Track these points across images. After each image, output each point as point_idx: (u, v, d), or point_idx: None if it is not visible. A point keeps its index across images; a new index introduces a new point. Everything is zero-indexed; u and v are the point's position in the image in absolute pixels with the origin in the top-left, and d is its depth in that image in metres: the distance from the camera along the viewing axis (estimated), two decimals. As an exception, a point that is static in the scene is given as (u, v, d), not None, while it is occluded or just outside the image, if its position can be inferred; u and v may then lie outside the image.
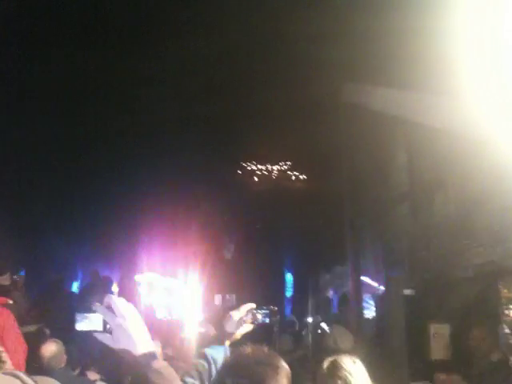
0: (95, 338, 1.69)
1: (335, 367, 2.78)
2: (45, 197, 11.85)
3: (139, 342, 1.63)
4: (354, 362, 2.85)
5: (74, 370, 4.89)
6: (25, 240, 10.57)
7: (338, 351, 4.42)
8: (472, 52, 3.98)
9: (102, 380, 4.98)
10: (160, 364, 1.60)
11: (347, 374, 2.74)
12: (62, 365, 4.37)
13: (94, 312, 1.69)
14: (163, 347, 4.18)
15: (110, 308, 1.67)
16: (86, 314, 1.72)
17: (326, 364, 2.84)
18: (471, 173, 6.00)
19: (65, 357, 4.46)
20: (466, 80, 4.17)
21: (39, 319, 7.10)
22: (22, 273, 9.73)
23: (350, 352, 4.16)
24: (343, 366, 2.77)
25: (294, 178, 16.65)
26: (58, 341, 4.55)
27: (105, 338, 1.66)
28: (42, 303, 8.59)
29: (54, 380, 1.67)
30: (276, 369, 1.77)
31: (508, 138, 4.20)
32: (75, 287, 13.15)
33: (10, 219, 9.11)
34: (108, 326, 1.65)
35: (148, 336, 1.67)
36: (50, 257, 12.22)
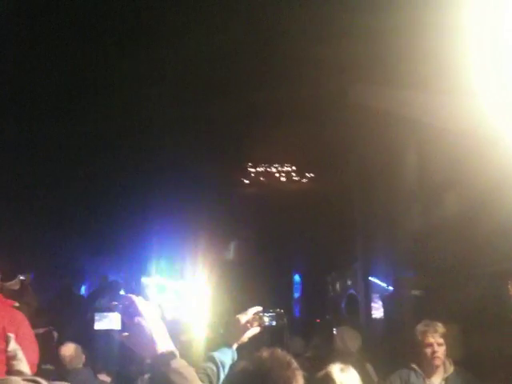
0: (109, 339, 1.70)
1: (326, 379, 2.86)
2: (52, 200, 11.91)
3: (158, 340, 1.63)
4: (344, 371, 2.91)
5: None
6: (32, 244, 10.63)
7: (346, 352, 4.42)
8: (481, 50, 3.96)
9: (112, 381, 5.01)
10: (180, 363, 1.60)
11: None
12: (81, 365, 4.43)
13: (113, 311, 1.70)
14: None
15: (128, 307, 1.67)
16: (104, 313, 1.73)
17: (318, 375, 2.90)
18: (481, 173, 5.96)
19: (83, 357, 4.51)
20: (476, 79, 4.15)
21: (49, 323, 7.13)
22: (31, 277, 9.78)
23: (358, 352, 4.17)
24: (334, 377, 2.85)
25: (301, 179, 16.64)
26: (75, 343, 4.60)
27: (123, 338, 1.67)
28: (52, 307, 8.64)
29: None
30: (294, 371, 1.78)
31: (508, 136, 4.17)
32: (83, 291, 13.21)
33: (17, 223, 9.17)
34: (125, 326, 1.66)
35: (167, 335, 1.67)
36: (58, 261, 12.29)
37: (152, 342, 1.62)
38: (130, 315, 1.65)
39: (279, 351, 1.88)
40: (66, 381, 4.10)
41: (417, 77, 6.60)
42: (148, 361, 1.61)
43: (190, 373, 1.61)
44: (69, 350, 4.44)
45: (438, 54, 5.79)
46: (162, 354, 1.60)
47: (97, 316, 1.76)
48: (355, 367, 3.01)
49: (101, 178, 12.65)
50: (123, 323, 1.68)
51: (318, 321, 10.76)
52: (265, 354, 1.85)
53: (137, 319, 1.64)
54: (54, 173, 11.45)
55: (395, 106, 7.89)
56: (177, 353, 1.63)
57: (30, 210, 11.11)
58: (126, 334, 1.66)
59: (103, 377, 5.12)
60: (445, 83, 5.61)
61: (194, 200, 14.25)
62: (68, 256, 12.50)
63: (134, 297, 1.68)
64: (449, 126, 6.21)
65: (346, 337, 4.17)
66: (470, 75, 4.17)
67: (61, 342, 5.31)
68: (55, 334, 6.41)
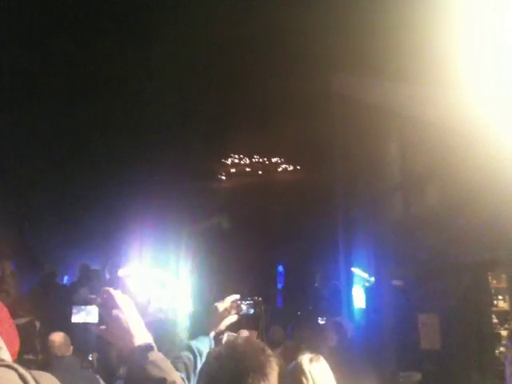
0: (89, 331, 1.69)
1: (296, 369, 2.90)
2: (34, 189, 11.77)
3: (135, 333, 1.63)
4: (313, 361, 2.95)
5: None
6: (13, 232, 10.51)
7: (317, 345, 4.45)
8: (466, 46, 4.00)
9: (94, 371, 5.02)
10: (157, 356, 1.60)
11: (308, 376, 2.86)
12: (69, 353, 4.41)
13: (91, 304, 1.69)
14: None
15: (106, 300, 1.66)
16: (82, 307, 1.71)
17: (289, 366, 2.93)
18: (462, 165, 6.04)
19: (71, 347, 4.49)
20: (461, 74, 4.19)
21: (31, 312, 7.07)
22: (12, 265, 9.66)
23: (333, 345, 4.20)
24: (303, 368, 2.89)
25: (286, 170, 16.68)
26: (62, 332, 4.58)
27: (100, 331, 1.66)
28: (34, 296, 8.55)
29: (50, 375, 1.66)
30: (268, 357, 1.78)
31: (501, 131, 4.23)
32: (65, 280, 13.09)
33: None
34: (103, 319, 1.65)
35: (144, 328, 1.67)
36: (40, 250, 12.16)
37: (129, 335, 1.62)
38: (107, 308, 1.64)
39: (253, 338, 1.89)
40: (51, 367, 4.09)
41: (403, 70, 6.64)
42: (125, 353, 1.61)
43: (167, 365, 1.61)
44: (59, 337, 4.43)
45: (424, 48, 5.82)
46: (140, 347, 1.60)
47: (74, 309, 1.74)
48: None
49: (84, 169, 12.56)
50: (101, 316, 1.67)
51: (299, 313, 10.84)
52: (239, 339, 1.86)
53: (114, 312, 1.63)
54: (36, 165, 11.32)
55: (381, 98, 7.93)
56: (154, 345, 1.63)
57: (11, 200, 10.98)
58: (103, 327, 1.65)
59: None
60: (431, 76, 5.65)
61: (177, 191, 14.21)
62: (49, 245, 12.39)
63: (111, 290, 1.67)
64: (433, 118, 6.26)
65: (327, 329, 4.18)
66: (457, 69, 4.20)
67: (42, 332, 5.28)
68: (37, 324, 6.36)
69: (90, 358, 5.53)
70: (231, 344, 1.84)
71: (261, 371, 1.71)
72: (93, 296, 1.69)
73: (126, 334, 1.63)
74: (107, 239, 13.54)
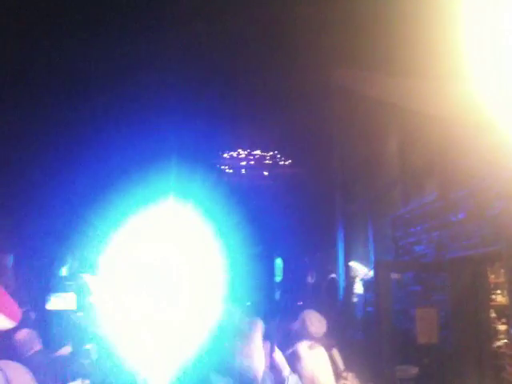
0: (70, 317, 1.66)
1: (294, 356, 2.91)
2: (35, 180, 11.76)
3: (109, 318, 1.61)
4: (312, 348, 2.96)
5: (53, 350, 4.86)
6: (12, 225, 10.51)
7: (313, 335, 4.43)
8: (467, 39, 3.95)
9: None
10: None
11: (305, 363, 2.87)
12: (36, 349, 4.33)
13: (68, 291, 1.66)
14: None
15: (83, 287, 1.64)
16: (60, 293, 1.69)
17: (287, 352, 2.95)
18: (462, 159, 6.02)
19: (37, 341, 4.41)
20: (461, 68, 4.15)
21: (26, 304, 7.07)
22: (11, 257, 9.66)
23: (322, 337, 4.18)
24: (301, 355, 2.91)
25: (285, 164, 16.63)
26: (29, 329, 4.50)
27: (77, 317, 1.64)
28: (29, 287, 8.56)
29: (18, 364, 1.62)
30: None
31: (501, 125, 4.20)
32: (64, 271, 13.10)
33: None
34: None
35: (119, 314, 1.64)
36: (38, 242, 12.15)
37: (104, 320, 1.60)
38: (83, 294, 1.62)
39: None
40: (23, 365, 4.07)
41: (404, 64, 6.60)
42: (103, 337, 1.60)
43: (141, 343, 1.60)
44: (22, 336, 4.34)
45: (424, 42, 5.79)
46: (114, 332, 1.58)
47: (51, 297, 1.72)
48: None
49: (84, 166, 12.56)
50: (78, 302, 1.65)
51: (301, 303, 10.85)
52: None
53: (90, 298, 1.61)
54: (33, 158, 11.31)
55: (381, 92, 7.89)
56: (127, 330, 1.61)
57: (10, 192, 10.98)
58: (81, 313, 1.64)
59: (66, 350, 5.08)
60: (431, 70, 5.62)
61: (174, 186, 14.20)
62: (48, 237, 12.38)
63: (87, 276, 1.65)
64: (433, 112, 6.23)
65: (314, 320, 4.16)
66: (458, 62, 4.17)
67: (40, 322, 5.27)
68: (32, 315, 6.36)
69: (88, 348, 5.52)
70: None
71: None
72: (70, 282, 1.67)
73: (100, 318, 1.62)
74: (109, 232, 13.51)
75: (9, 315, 1.92)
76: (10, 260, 9.92)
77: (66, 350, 4.99)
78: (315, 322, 3.75)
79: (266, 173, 16.73)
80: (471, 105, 4.52)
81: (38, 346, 4.33)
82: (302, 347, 2.99)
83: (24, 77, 10.90)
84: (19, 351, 4.16)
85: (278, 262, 16.57)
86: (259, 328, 2.07)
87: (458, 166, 6.14)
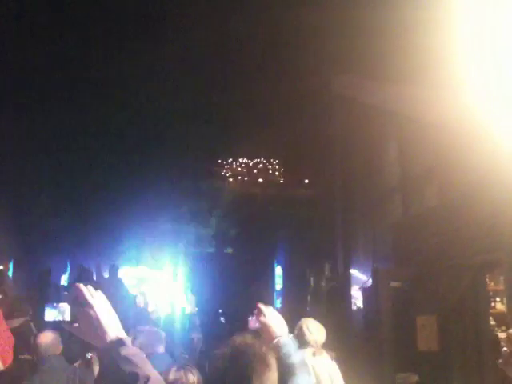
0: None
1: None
2: (34, 190, 11.78)
3: (107, 329, 1.60)
4: (316, 355, 2.95)
5: (71, 362, 4.88)
6: (13, 231, 10.52)
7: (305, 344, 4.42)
8: (465, 47, 3.99)
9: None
10: (130, 350, 1.58)
11: (310, 370, 2.92)
12: (58, 353, 4.38)
13: (63, 302, 1.65)
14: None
15: (76, 297, 1.63)
16: (55, 304, 1.68)
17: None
18: (460, 166, 6.03)
19: (61, 346, 4.46)
20: (460, 75, 4.19)
21: (26, 313, 7.05)
22: (11, 265, 9.66)
23: (320, 344, 4.17)
24: (306, 362, 2.91)
25: (285, 172, 16.66)
26: (54, 331, 4.55)
27: (72, 328, 1.64)
28: (29, 296, 8.53)
29: None
30: (266, 349, 1.80)
31: (500, 132, 4.23)
32: (63, 280, 13.09)
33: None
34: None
35: (118, 323, 1.64)
36: (39, 248, 12.16)
37: (101, 331, 1.59)
38: (78, 305, 1.62)
39: (249, 336, 1.90)
40: (38, 368, 4.08)
41: (403, 71, 6.63)
42: (98, 349, 1.60)
43: (142, 359, 1.59)
44: (46, 337, 4.40)
45: (423, 50, 5.82)
46: (112, 342, 1.57)
47: (47, 307, 1.71)
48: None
49: (85, 170, 12.57)
50: (73, 314, 1.65)
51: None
52: (237, 341, 1.88)
53: (85, 309, 1.61)
54: (36, 165, 11.33)
55: (380, 99, 7.93)
56: (128, 340, 1.61)
57: (10, 200, 10.99)
58: (76, 324, 1.63)
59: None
60: (430, 78, 5.65)
61: (175, 192, 14.21)
62: (48, 244, 12.39)
63: (81, 286, 1.64)
64: (433, 119, 6.26)
65: (312, 328, 4.13)
66: (456, 70, 4.20)
67: (36, 332, 5.26)
68: (32, 324, 6.35)
69: (89, 357, 5.51)
70: (232, 344, 1.85)
71: (262, 362, 1.72)
72: (66, 293, 1.68)
73: (98, 330, 1.61)
74: (105, 239, 13.52)
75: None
76: (9, 268, 9.90)
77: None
78: (313, 330, 3.71)
79: (264, 180, 16.76)
80: (469, 112, 4.55)
81: (58, 351, 4.36)
82: (307, 354, 2.97)
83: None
84: (43, 352, 4.19)
85: (278, 270, 16.54)
86: None
87: (456, 173, 6.16)
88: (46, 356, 4.11)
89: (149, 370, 1.58)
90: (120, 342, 1.59)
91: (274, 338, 2.05)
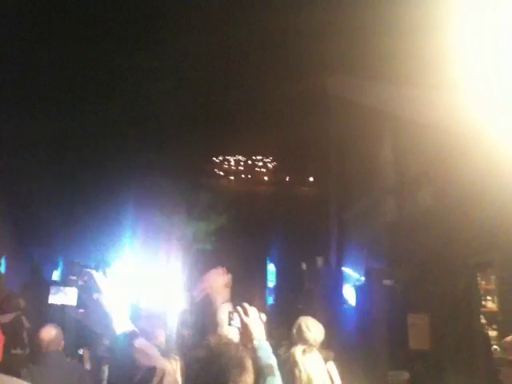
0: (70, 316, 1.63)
1: (289, 361, 2.92)
2: (29, 187, 11.73)
3: (117, 319, 1.59)
4: (306, 352, 2.96)
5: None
6: (4, 227, 10.46)
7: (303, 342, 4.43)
8: (462, 48, 4.01)
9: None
10: (142, 342, 1.58)
11: (300, 367, 2.94)
12: (60, 348, 4.32)
13: (70, 286, 1.62)
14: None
15: (87, 282, 1.61)
16: (60, 288, 1.65)
17: (282, 357, 2.94)
18: (455, 167, 6.06)
19: (62, 342, 4.40)
20: (456, 76, 4.20)
21: (17, 308, 7.01)
22: (3, 260, 9.61)
23: (319, 342, 4.17)
24: (296, 359, 2.92)
25: (279, 171, 16.66)
26: (57, 326, 4.49)
27: (78, 314, 1.62)
28: (19, 292, 8.48)
29: (21, 381, 1.58)
30: (243, 352, 1.78)
31: (496, 134, 4.25)
32: (54, 277, 13.03)
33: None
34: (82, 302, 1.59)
35: (126, 315, 1.63)
36: (30, 244, 12.10)
37: (110, 321, 1.58)
38: (88, 291, 1.59)
39: (225, 337, 1.88)
40: (40, 363, 4.04)
41: (399, 72, 6.64)
42: (106, 341, 1.58)
43: (153, 350, 1.59)
44: (48, 333, 4.31)
45: (420, 51, 5.83)
46: (124, 334, 1.57)
47: (52, 289, 1.68)
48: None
49: (79, 169, 12.54)
50: (80, 299, 1.62)
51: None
52: (212, 341, 1.85)
53: (95, 295, 1.59)
54: (32, 163, 11.28)
55: (376, 100, 7.94)
56: (138, 332, 1.60)
57: (4, 197, 10.94)
58: (82, 310, 1.61)
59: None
60: (426, 79, 5.66)
61: (170, 190, 14.20)
62: (39, 239, 12.33)
63: (93, 272, 1.62)
64: (428, 120, 6.27)
65: (311, 326, 4.11)
66: (453, 71, 4.21)
67: (29, 327, 5.22)
68: (24, 319, 6.30)
69: (81, 353, 5.47)
70: (207, 347, 1.83)
71: (239, 365, 1.72)
72: (73, 277, 1.65)
73: (107, 319, 1.59)
74: (99, 236, 13.48)
75: None
76: (1, 264, 9.84)
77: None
78: (312, 327, 3.70)
79: (260, 179, 16.78)
80: (466, 114, 4.58)
81: (60, 346, 4.29)
82: (297, 352, 2.99)
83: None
84: (45, 348, 4.12)
85: (271, 267, 16.56)
86: None
87: (452, 174, 6.19)
88: (47, 352, 4.04)
89: (162, 363, 1.57)
90: (134, 334, 1.58)
91: (251, 340, 2.03)
